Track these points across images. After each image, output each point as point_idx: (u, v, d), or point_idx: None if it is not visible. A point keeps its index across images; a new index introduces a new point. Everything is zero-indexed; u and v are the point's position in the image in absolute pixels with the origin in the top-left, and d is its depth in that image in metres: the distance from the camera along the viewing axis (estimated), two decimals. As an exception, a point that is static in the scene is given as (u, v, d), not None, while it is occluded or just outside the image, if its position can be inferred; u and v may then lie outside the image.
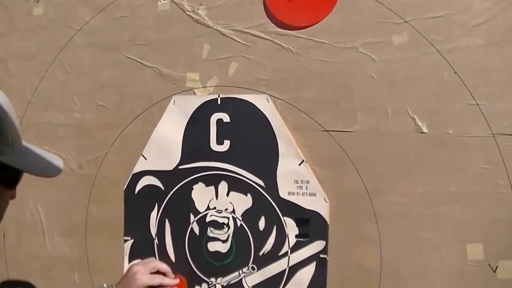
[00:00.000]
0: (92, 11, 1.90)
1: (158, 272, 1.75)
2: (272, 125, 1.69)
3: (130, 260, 1.84)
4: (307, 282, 1.67)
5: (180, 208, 1.78)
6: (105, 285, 1.71)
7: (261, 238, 1.72)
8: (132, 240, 1.84)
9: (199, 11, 1.78)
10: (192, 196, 1.78)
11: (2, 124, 1.09)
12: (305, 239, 1.68)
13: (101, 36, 1.89)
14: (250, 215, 1.73)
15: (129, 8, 1.86)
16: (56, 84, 1.94)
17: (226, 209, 1.74)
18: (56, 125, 1.93)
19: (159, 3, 1.83)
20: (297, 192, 1.68)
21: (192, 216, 1.78)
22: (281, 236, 1.70)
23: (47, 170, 1.22)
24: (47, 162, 1.24)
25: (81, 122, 1.91)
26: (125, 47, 1.86)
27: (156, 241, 1.81)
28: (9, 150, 1.11)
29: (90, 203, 1.89)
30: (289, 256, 1.69)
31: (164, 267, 1.77)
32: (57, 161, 1.28)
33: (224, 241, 1.76)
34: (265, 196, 1.70)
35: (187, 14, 1.79)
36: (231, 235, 1.75)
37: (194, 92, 1.78)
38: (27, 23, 1.98)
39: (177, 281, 1.76)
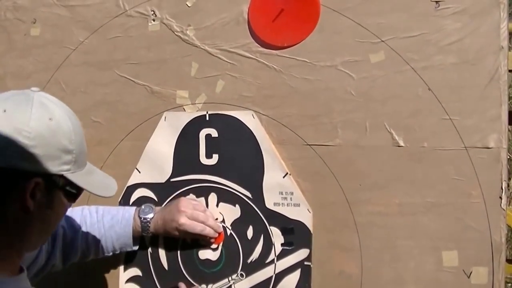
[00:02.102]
0: (86, 31, 1.92)
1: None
2: (258, 140, 1.72)
3: (125, 268, 1.85)
4: (292, 288, 1.70)
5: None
6: (143, 206, 1.73)
7: (249, 247, 1.74)
8: (127, 249, 1.86)
9: (188, 32, 1.80)
10: (184, 207, 1.80)
11: (76, 148, 1.21)
12: (290, 247, 1.70)
13: (95, 55, 1.91)
14: (238, 225, 1.75)
15: (122, 28, 1.88)
16: (53, 101, 1.96)
17: (216, 219, 1.76)
18: (54, 141, 1.95)
19: (149, 24, 1.85)
20: (282, 203, 1.70)
21: (184, 226, 1.80)
22: (268, 245, 1.72)
23: (104, 191, 1.31)
24: (105, 183, 1.35)
25: (77, 138, 1.92)
26: (118, 66, 1.88)
27: (149, 249, 1.83)
28: (77, 168, 1.22)
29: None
30: (275, 264, 1.71)
31: (212, 223, 1.74)
32: (113, 183, 1.39)
33: (214, 250, 1.78)
34: (252, 207, 1.73)
35: (176, 35, 1.81)
36: (221, 244, 1.77)
37: (183, 108, 1.80)
38: (24, 43, 1.99)
39: (215, 235, 1.75)
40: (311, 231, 1.68)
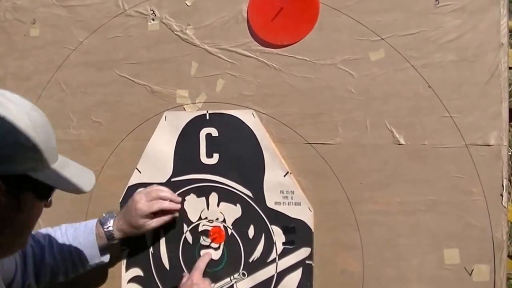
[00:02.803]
0: (86, 31, 1.91)
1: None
2: (258, 139, 1.71)
3: (127, 269, 1.85)
4: (294, 287, 1.69)
5: (174, 219, 1.79)
6: (104, 214, 1.71)
7: (250, 246, 1.73)
8: (128, 250, 1.85)
9: (187, 31, 1.79)
10: (185, 207, 1.79)
11: (38, 145, 1.13)
12: (291, 246, 1.69)
13: (95, 55, 1.90)
14: (240, 224, 1.74)
15: (121, 28, 1.87)
16: (53, 102, 1.94)
17: (217, 219, 1.76)
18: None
19: (149, 23, 1.84)
20: (283, 202, 1.69)
21: (185, 226, 1.79)
22: (269, 244, 1.71)
23: (76, 188, 1.23)
24: (79, 178, 1.25)
25: (78, 138, 1.92)
26: (118, 66, 1.87)
27: (151, 250, 1.82)
28: (43, 167, 1.15)
29: (88, 216, 1.89)
30: (277, 263, 1.71)
31: (165, 194, 1.74)
32: (88, 178, 1.30)
33: (216, 249, 1.77)
34: (253, 206, 1.72)
35: (176, 34, 1.80)
36: (222, 243, 1.77)
37: (184, 108, 1.79)
38: (24, 43, 1.98)
39: (177, 206, 1.76)
40: (313, 230, 1.67)
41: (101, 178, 1.89)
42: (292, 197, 1.68)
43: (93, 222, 1.71)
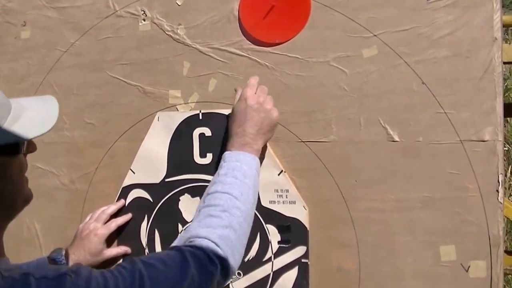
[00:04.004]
0: (77, 33, 1.88)
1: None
2: (252, 138, 1.68)
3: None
4: (290, 285, 1.67)
5: (169, 219, 1.77)
6: (51, 253, 1.64)
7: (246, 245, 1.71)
8: (124, 250, 1.83)
9: (178, 31, 1.76)
10: (179, 207, 1.76)
11: None
12: (287, 245, 1.67)
13: (86, 57, 1.87)
14: (234, 224, 1.72)
15: (112, 29, 1.84)
16: (46, 104, 1.92)
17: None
18: (48, 143, 1.91)
19: (140, 24, 1.81)
20: (277, 201, 1.67)
21: (180, 226, 1.76)
22: (265, 243, 1.69)
23: (36, 130, 1.16)
24: (37, 121, 1.19)
25: (71, 140, 1.89)
26: (110, 67, 1.84)
27: (146, 250, 1.80)
28: None
29: (83, 217, 1.87)
30: (272, 262, 1.68)
31: (111, 210, 1.77)
32: (49, 117, 1.21)
33: (211, 249, 1.75)
34: (248, 206, 1.69)
35: (167, 34, 1.77)
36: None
37: (176, 108, 1.77)
38: (15, 46, 1.95)
39: (128, 216, 1.79)
40: (308, 228, 1.65)
41: (95, 179, 1.87)
42: (286, 195, 1.66)
43: (43, 258, 1.64)
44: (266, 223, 1.68)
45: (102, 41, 1.86)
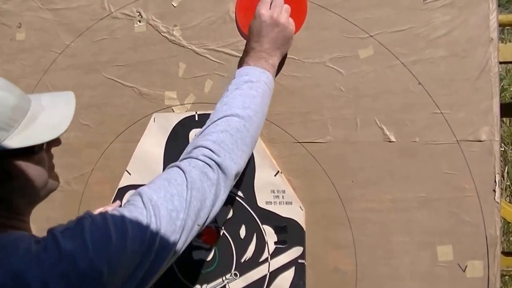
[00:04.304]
0: (72, 34, 1.88)
1: None
2: (248, 139, 1.68)
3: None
4: (287, 286, 1.66)
5: (164, 221, 1.76)
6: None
7: (242, 246, 1.70)
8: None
9: (174, 32, 1.76)
10: (175, 208, 1.76)
11: None
12: (283, 246, 1.67)
13: (82, 58, 1.87)
14: (231, 225, 1.71)
15: (107, 30, 1.83)
16: (41, 105, 1.92)
17: (208, 220, 1.73)
18: (43, 145, 1.91)
19: (135, 25, 1.80)
20: (274, 201, 1.67)
21: (176, 228, 1.76)
22: (261, 243, 1.69)
23: (50, 134, 1.20)
24: (51, 124, 1.22)
25: (67, 141, 1.88)
26: (105, 68, 1.84)
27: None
28: (6, 133, 1.13)
29: (78, 219, 1.87)
30: (269, 262, 1.68)
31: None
32: (63, 121, 1.23)
33: (207, 250, 1.74)
34: (245, 206, 1.69)
35: (163, 35, 1.77)
36: (214, 244, 1.74)
37: (172, 109, 1.76)
38: (10, 48, 1.94)
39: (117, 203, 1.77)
40: (304, 229, 1.65)
41: (91, 180, 1.86)
42: (283, 196, 1.66)
43: None
44: (262, 224, 1.68)
45: (97, 42, 1.85)
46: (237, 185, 1.69)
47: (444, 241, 1.53)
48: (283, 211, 1.66)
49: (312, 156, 1.63)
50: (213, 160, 1.29)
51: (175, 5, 1.76)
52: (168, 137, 1.76)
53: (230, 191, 1.62)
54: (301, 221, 1.65)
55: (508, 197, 4.27)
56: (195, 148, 1.32)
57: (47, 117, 1.22)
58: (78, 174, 1.88)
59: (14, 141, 1.13)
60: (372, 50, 1.58)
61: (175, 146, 1.75)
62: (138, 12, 1.80)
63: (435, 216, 1.54)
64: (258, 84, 1.47)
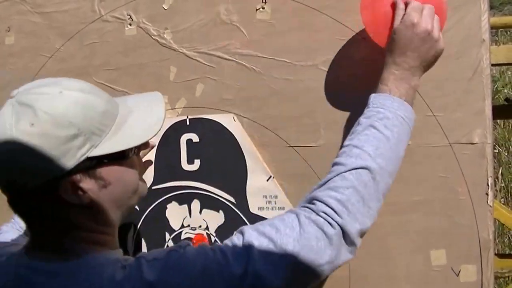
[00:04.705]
0: (62, 38, 1.87)
1: None
2: (240, 143, 1.67)
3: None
4: (280, 292, 1.65)
5: (156, 227, 1.75)
6: None
7: (235, 252, 1.69)
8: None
9: (165, 35, 1.75)
10: (166, 215, 1.75)
11: (78, 125, 1.09)
12: (276, 252, 1.65)
13: (72, 62, 1.86)
14: (223, 231, 1.70)
15: (98, 34, 1.82)
16: (31, 110, 1.91)
17: (200, 226, 1.72)
18: (33, 150, 1.90)
19: (126, 28, 1.80)
20: (266, 207, 1.66)
21: (167, 234, 1.75)
22: (254, 249, 1.67)
23: (143, 136, 1.20)
24: (143, 125, 1.21)
25: (57, 147, 1.88)
26: (96, 72, 1.83)
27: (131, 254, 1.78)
28: (97, 139, 1.12)
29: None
30: (262, 268, 1.67)
31: None
32: (155, 120, 1.23)
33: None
34: (237, 212, 1.68)
35: (153, 39, 1.76)
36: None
37: (163, 114, 1.75)
38: (-1, 52, 1.94)
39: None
40: (297, 234, 1.63)
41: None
42: (275, 201, 1.65)
43: None
44: (255, 229, 1.67)
45: (87, 46, 1.85)
46: (229, 190, 1.68)
47: (437, 245, 1.52)
48: (276, 216, 1.65)
49: (304, 160, 1.62)
50: (335, 221, 1.17)
51: (165, 8, 1.75)
52: (159, 142, 1.75)
53: (221, 197, 1.63)
54: (294, 226, 1.63)
55: (502, 199, 4.28)
56: (317, 200, 1.22)
57: (137, 120, 1.21)
58: (69, 180, 1.87)
59: (107, 146, 1.13)
60: (364, 52, 1.57)
61: (166, 151, 1.74)
62: (129, 15, 1.79)
63: (428, 219, 1.53)
64: (395, 121, 1.29)
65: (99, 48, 1.83)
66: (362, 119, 1.31)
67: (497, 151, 4.91)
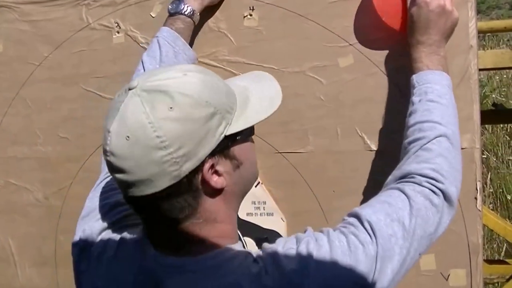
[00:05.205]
0: (50, 46, 1.86)
1: None
2: (228, 150, 1.66)
3: None
4: (270, 299, 1.64)
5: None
6: (169, 6, 1.62)
7: (224, 259, 1.68)
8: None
9: (153, 43, 1.74)
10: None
11: (212, 103, 1.05)
12: (265, 258, 1.64)
13: (60, 70, 1.85)
14: (212, 237, 1.69)
15: (86, 42, 1.81)
16: (19, 119, 1.89)
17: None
18: (21, 159, 1.88)
19: (114, 36, 1.79)
20: (255, 213, 1.65)
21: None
22: (243, 256, 1.66)
23: (269, 108, 1.19)
24: (266, 100, 1.20)
25: (45, 155, 1.86)
26: (84, 80, 1.82)
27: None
28: (230, 117, 1.08)
29: (58, 233, 1.84)
30: (251, 275, 1.66)
31: None
32: (274, 92, 1.22)
33: (189, 263, 1.72)
34: (225, 218, 1.67)
35: (141, 46, 1.75)
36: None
37: (152, 121, 1.74)
38: (-13, 60, 1.93)
39: None
40: (286, 241, 1.62)
41: (70, 194, 1.84)
42: (264, 207, 1.64)
43: (166, 33, 1.59)
44: (243, 236, 1.63)
45: (76, 54, 1.84)
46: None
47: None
48: (265, 223, 1.64)
49: (293, 166, 1.62)
50: (438, 188, 1.22)
51: (153, 16, 1.74)
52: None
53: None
54: (283, 232, 1.63)
55: (491, 204, 4.28)
56: (414, 174, 1.25)
57: (257, 96, 1.18)
58: (56, 189, 1.86)
59: (241, 122, 1.10)
60: (352, 59, 1.57)
61: (155, 158, 1.72)
62: (116, 23, 1.78)
63: (417, 225, 1.52)
64: (444, 90, 1.37)
65: (87, 56, 1.82)
66: (414, 98, 1.37)
67: (485, 156, 4.91)
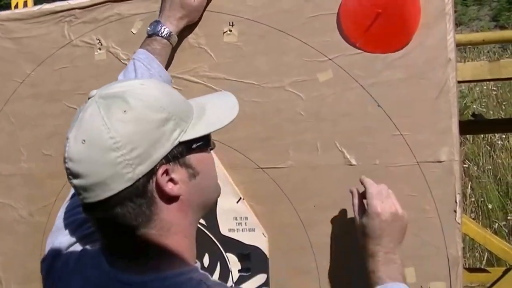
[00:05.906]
0: (33, 63, 1.81)
1: None
2: (209, 165, 1.61)
3: None
4: (252, 313, 1.59)
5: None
6: (148, 28, 1.59)
7: (206, 274, 1.63)
8: None
9: (134, 59, 1.69)
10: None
11: (168, 109, 1.05)
12: (247, 273, 1.60)
13: (43, 87, 1.80)
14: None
15: (68, 59, 1.77)
16: (3, 136, 1.85)
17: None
18: (6, 176, 1.84)
19: (96, 53, 1.74)
20: (237, 229, 1.60)
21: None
22: (225, 272, 1.62)
23: (228, 117, 1.16)
24: (224, 109, 1.18)
25: (29, 172, 1.81)
26: (67, 97, 1.77)
27: None
28: (186, 124, 1.07)
29: (43, 250, 1.78)
30: (234, 290, 1.61)
31: None
32: (231, 102, 1.20)
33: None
34: (207, 234, 1.62)
35: (123, 63, 1.71)
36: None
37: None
38: (-30, 77, 1.88)
39: None
40: (268, 256, 1.58)
41: (54, 210, 1.77)
42: (246, 223, 1.59)
43: (142, 55, 1.57)
44: (226, 252, 1.61)
45: (58, 71, 1.79)
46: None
47: (406, 263, 1.46)
48: (246, 238, 1.60)
49: (274, 181, 1.58)
50: None
51: (134, 32, 1.70)
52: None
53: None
54: (265, 248, 1.58)
55: (472, 213, 4.24)
56: None
57: (214, 107, 1.17)
58: (41, 205, 1.82)
59: (197, 130, 1.09)
60: (331, 73, 1.53)
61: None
62: (98, 39, 1.73)
63: (397, 238, 1.48)
64: None
65: (70, 72, 1.78)
66: None
67: (466, 165, 4.88)
